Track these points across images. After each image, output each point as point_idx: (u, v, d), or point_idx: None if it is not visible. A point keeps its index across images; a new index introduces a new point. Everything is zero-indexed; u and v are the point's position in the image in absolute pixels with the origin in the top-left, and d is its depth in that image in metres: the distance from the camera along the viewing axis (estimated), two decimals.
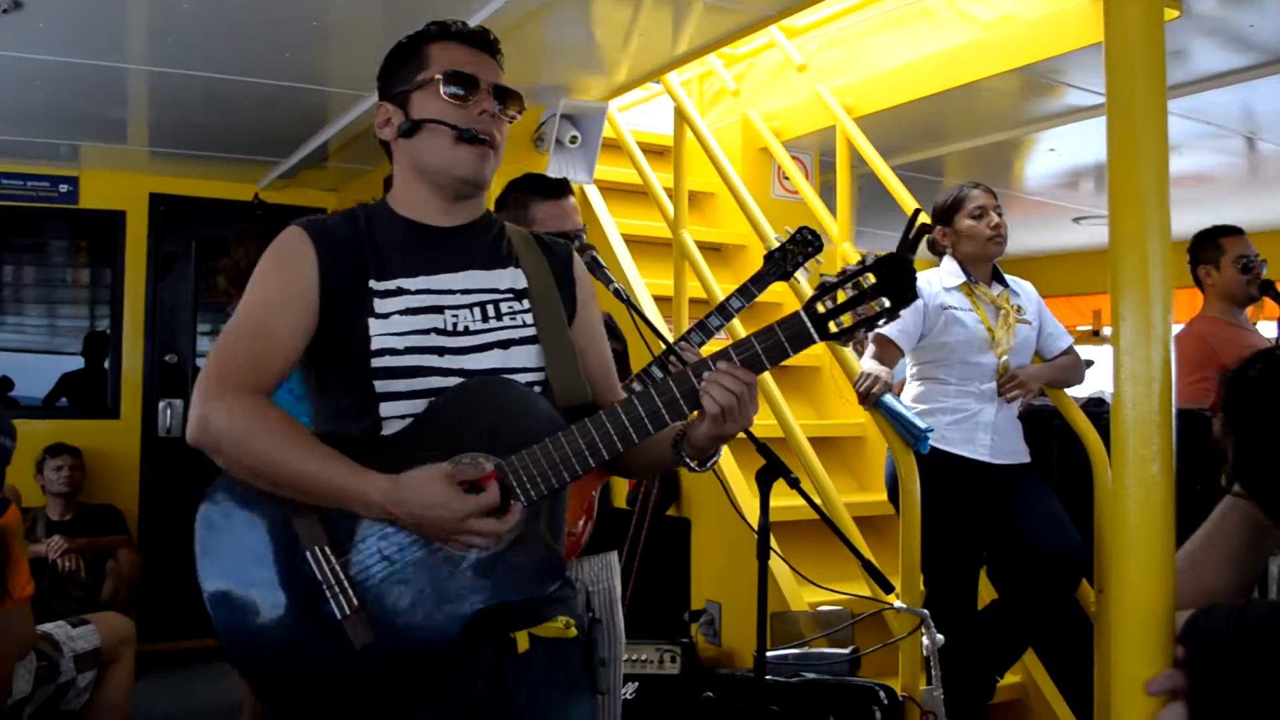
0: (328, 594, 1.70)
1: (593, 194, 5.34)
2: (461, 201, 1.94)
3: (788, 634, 3.64)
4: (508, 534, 1.71)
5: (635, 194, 5.56)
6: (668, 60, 4.63)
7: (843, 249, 5.09)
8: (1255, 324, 4.81)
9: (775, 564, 3.71)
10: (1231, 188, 6.64)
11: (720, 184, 5.20)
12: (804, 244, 3.25)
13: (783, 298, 5.33)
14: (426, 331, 1.83)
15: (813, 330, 1.75)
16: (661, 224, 5.13)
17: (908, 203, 4.74)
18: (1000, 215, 3.85)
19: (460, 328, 1.85)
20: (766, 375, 4.20)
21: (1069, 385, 4.04)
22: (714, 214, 6.00)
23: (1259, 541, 1.65)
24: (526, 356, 1.89)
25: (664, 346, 2.89)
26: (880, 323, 1.75)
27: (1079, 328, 9.00)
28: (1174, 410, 1.54)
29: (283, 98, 4.92)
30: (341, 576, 1.71)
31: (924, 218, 3.67)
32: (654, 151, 5.75)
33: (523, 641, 1.82)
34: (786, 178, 5.64)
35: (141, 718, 4.67)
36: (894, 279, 1.72)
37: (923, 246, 4.32)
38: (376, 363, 1.79)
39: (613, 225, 5.23)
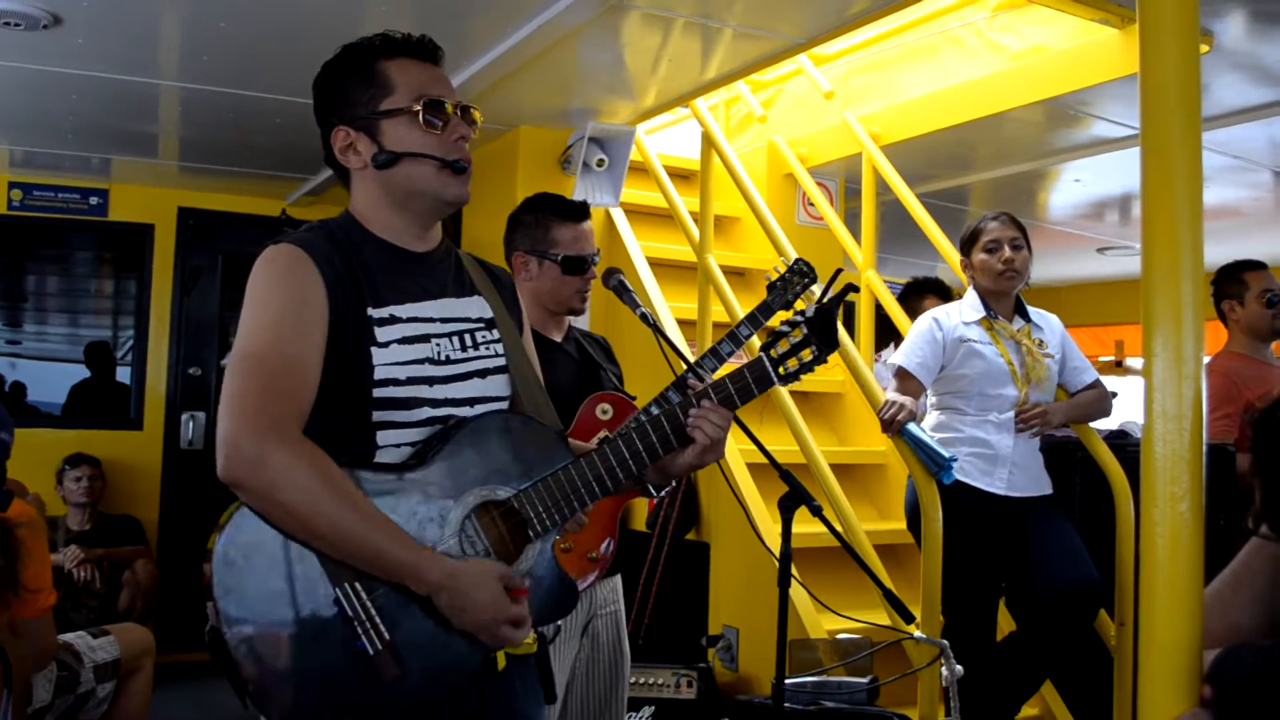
0: (359, 630, 1.69)
1: (618, 217, 5.35)
2: (434, 223, 1.96)
3: (806, 662, 3.63)
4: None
5: (661, 217, 5.58)
6: (696, 86, 4.65)
7: (867, 276, 5.10)
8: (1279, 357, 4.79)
9: (795, 591, 3.68)
10: (1259, 221, 6.62)
11: (745, 209, 5.21)
12: (800, 275, 3.35)
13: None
14: (421, 361, 1.85)
15: (772, 373, 1.98)
16: (686, 248, 5.15)
17: (932, 231, 4.74)
18: (1016, 249, 3.80)
19: (443, 356, 1.88)
20: (788, 400, 4.24)
21: (1094, 419, 4.02)
22: (738, 239, 6.01)
23: None
24: (500, 385, 1.95)
25: (686, 368, 2.91)
26: (814, 368, 2.01)
27: (1101, 358, 8.97)
28: (1205, 448, 1.54)
29: (312, 116, 4.95)
30: (373, 612, 1.70)
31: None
32: (680, 175, 5.76)
33: (501, 660, 1.86)
34: (811, 204, 5.66)
35: None
36: (819, 329, 1.99)
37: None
38: (379, 392, 1.79)
39: (638, 248, 5.24)
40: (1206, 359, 4.39)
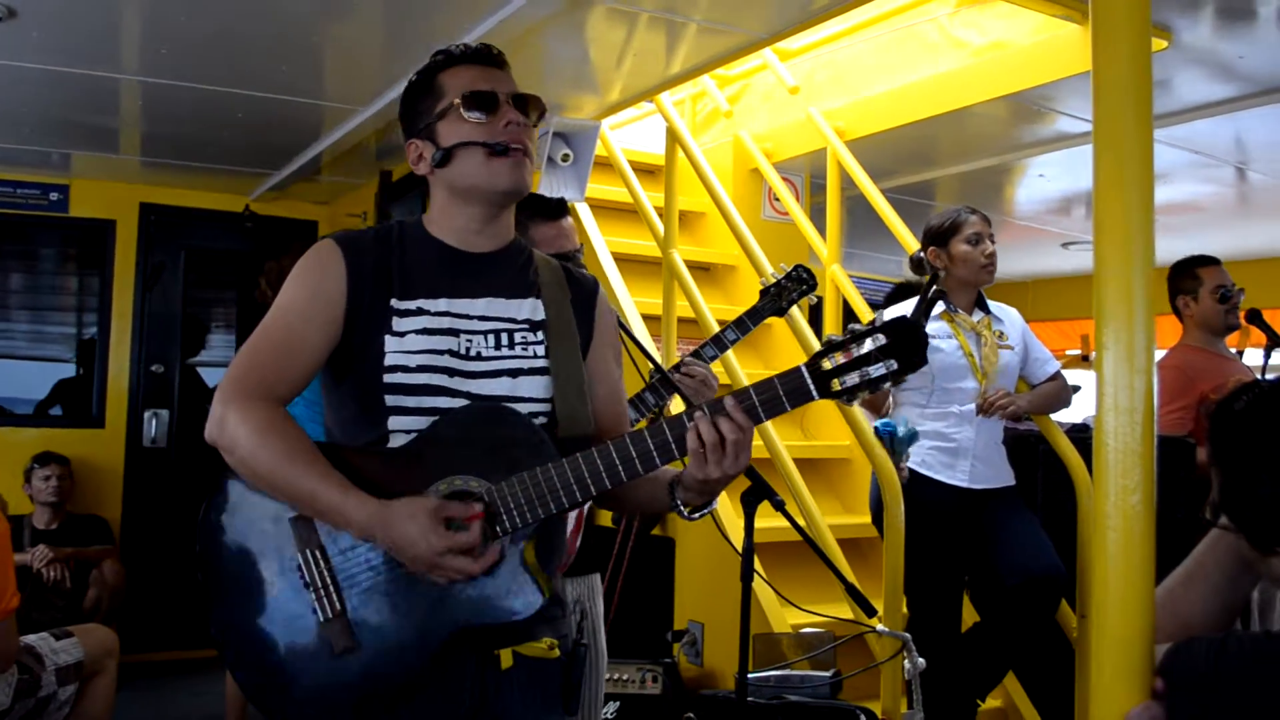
0: (313, 596, 1.78)
1: (583, 212, 5.34)
2: (501, 218, 1.99)
3: (770, 656, 3.64)
4: (482, 573, 1.75)
5: (626, 213, 5.57)
6: (661, 80, 4.65)
7: (831, 271, 5.11)
8: (1241, 351, 4.84)
9: (758, 585, 3.70)
10: (1221, 216, 6.68)
11: (711, 204, 5.20)
12: (799, 282, 3.31)
13: (773, 319, 5.33)
14: (441, 352, 1.87)
15: (812, 387, 1.73)
16: (652, 243, 5.15)
17: (897, 226, 4.75)
18: (994, 243, 3.86)
19: (474, 353, 1.89)
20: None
21: (1055, 411, 4.05)
22: (704, 234, 6.01)
23: (1242, 575, 1.66)
24: (534, 387, 1.92)
25: (651, 367, 2.90)
26: (885, 386, 1.72)
27: (1068, 352, 9.02)
28: (1156, 441, 1.54)
29: (276, 110, 4.93)
30: (329, 580, 1.78)
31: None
32: (645, 170, 5.76)
33: (506, 659, 1.85)
34: (777, 199, 5.66)
35: None
36: (905, 343, 1.71)
37: (905, 264, 4.35)
38: (388, 378, 1.84)
39: (603, 244, 5.24)
40: (1162, 353, 4.44)
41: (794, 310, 4.03)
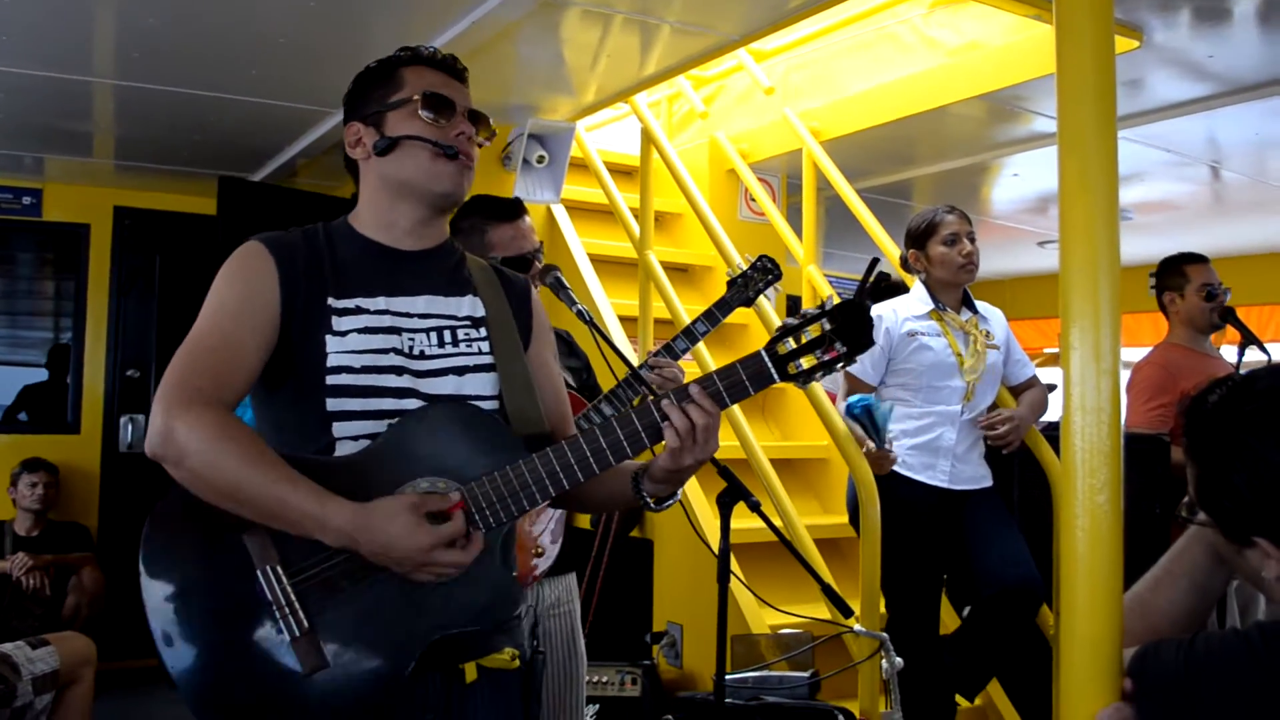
0: (278, 615, 1.66)
1: (559, 213, 5.34)
2: (433, 220, 1.95)
3: (748, 657, 3.64)
4: (470, 564, 1.68)
5: (602, 214, 5.57)
6: (635, 81, 4.65)
7: (808, 272, 5.11)
8: (1217, 349, 4.86)
9: (736, 587, 3.70)
10: (1196, 215, 6.73)
11: (687, 205, 5.21)
12: (765, 271, 3.30)
13: (749, 318, 5.35)
14: (385, 351, 1.81)
15: (773, 370, 1.75)
16: (628, 244, 5.15)
17: (873, 226, 4.76)
18: (973, 242, 3.85)
19: (418, 351, 1.84)
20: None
21: (1038, 418, 4.06)
22: (680, 235, 6.01)
23: (1211, 579, 1.66)
24: (481, 384, 1.88)
25: (625, 368, 2.89)
26: (838, 367, 1.76)
27: (1045, 350, 9.07)
28: (1123, 440, 1.55)
29: (248, 113, 4.91)
30: (293, 597, 1.66)
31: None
32: (621, 172, 5.76)
33: (471, 672, 1.80)
34: (753, 200, 5.67)
35: None
36: (851, 325, 1.74)
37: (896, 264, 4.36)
38: (332, 380, 1.77)
39: (579, 245, 5.24)
40: (1142, 352, 4.46)
41: (765, 305, 4.04)
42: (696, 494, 4.23)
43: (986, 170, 5.95)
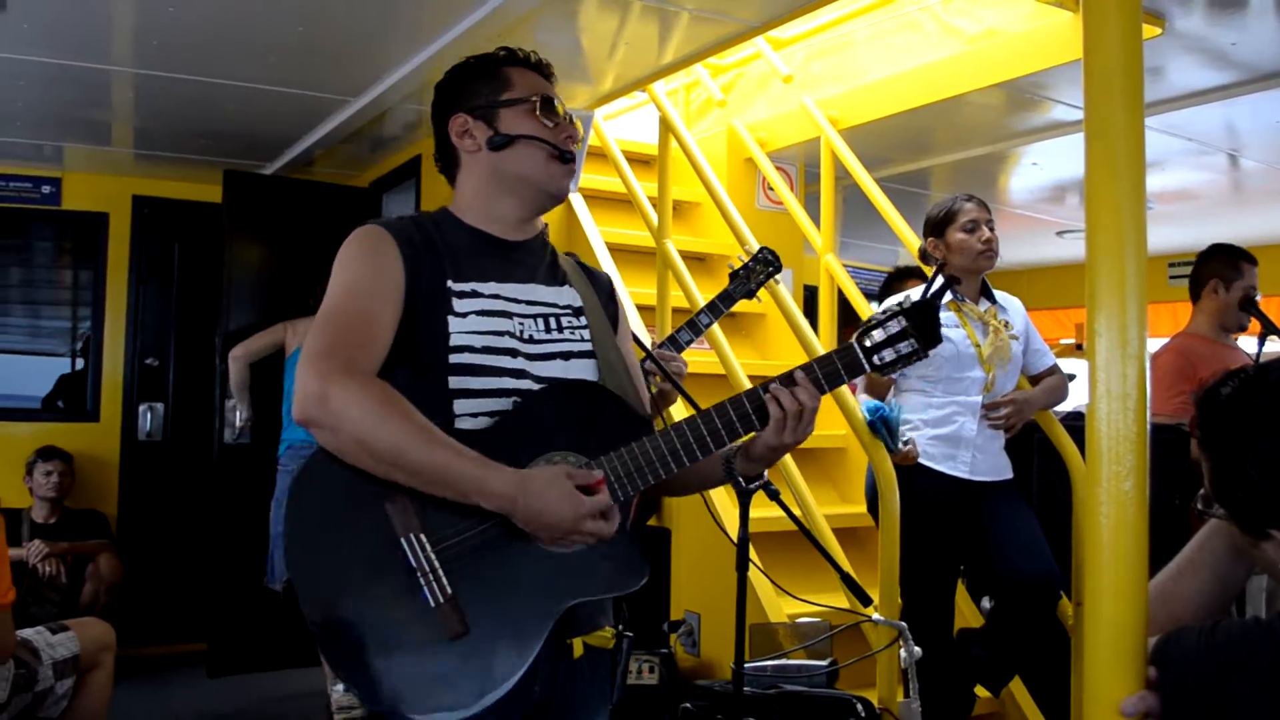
0: (421, 581, 1.72)
1: (577, 202, 5.34)
2: (537, 216, 2.05)
3: (766, 645, 3.64)
4: (611, 535, 1.76)
5: (620, 203, 5.57)
6: (654, 70, 4.63)
7: (826, 261, 5.10)
8: (1237, 339, 4.83)
9: (754, 575, 3.71)
10: (1215, 204, 6.68)
11: (705, 194, 5.20)
12: (765, 264, 3.34)
13: (766, 308, 5.34)
14: (501, 334, 1.89)
15: (864, 360, 1.88)
16: (646, 233, 5.13)
17: (891, 215, 4.75)
18: (992, 229, 3.84)
19: (527, 335, 1.93)
20: (747, 385, 4.23)
21: (1055, 405, 4.04)
22: (698, 224, 6.00)
23: (1233, 569, 1.66)
24: (584, 369, 1.97)
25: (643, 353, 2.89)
26: (914, 360, 1.90)
27: (1062, 340, 9.02)
28: (1149, 427, 1.54)
29: (267, 102, 4.92)
30: (436, 564, 1.73)
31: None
32: (639, 161, 5.75)
33: (578, 648, 1.88)
34: (771, 188, 5.65)
35: None
36: (922, 323, 1.88)
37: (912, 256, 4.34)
38: (454, 359, 1.84)
39: (597, 234, 5.23)
40: (1159, 341, 4.43)
41: (784, 294, 4.04)
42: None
43: (1005, 159, 5.92)
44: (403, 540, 1.73)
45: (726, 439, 1.86)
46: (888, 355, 1.88)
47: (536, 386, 1.89)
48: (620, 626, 1.99)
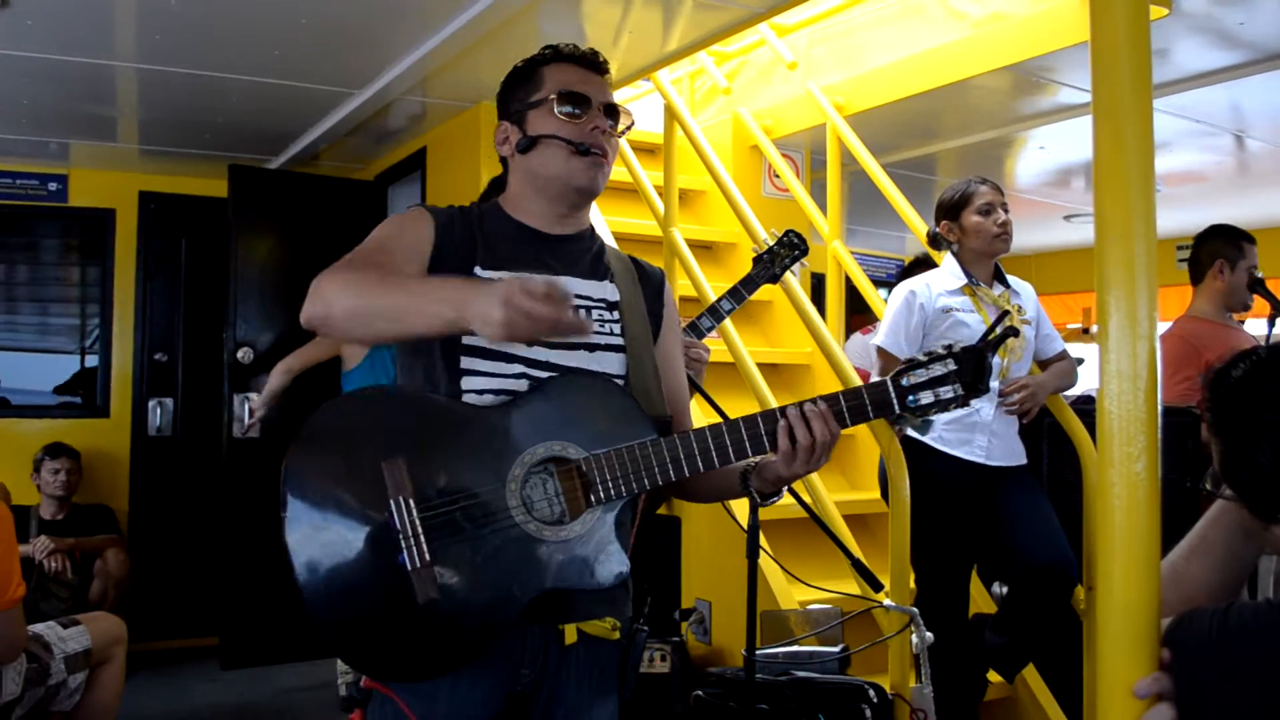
0: (402, 544, 1.76)
1: None
2: (574, 212, 2.06)
3: (778, 632, 3.64)
4: (561, 323, 1.67)
5: (626, 192, 5.55)
6: (658, 58, 4.62)
7: (833, 248, 5.09)
8: (1243, 321, 4.81)
9: (765, 562, 3.71)
10: (1222, 185, 6.66)
11: (711, 182, 5.19)
12: (791, 247, 3.31)
13: (775, 294, 5.34)
14: None
15: (895, 401, 1.86)
16: (652, 222, 5.13)
17: (898, 201, 4.74)
18: (1007, 212, 3.83)
19: None
20: (755, 372, 4.24)
21: (1065, 390, 4.03)
22: (705, 212, 5.99)
23: (1245, 547, 1.65)
24: (611, 363, 1.99)
25: None
26: (951, 407, 1.86)
27: (1069, 325, 9.01)
28: (1160, 409, 1.53)
29: (272, 96, 4.92)
30: (420, 529, 1.76)
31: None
32: (645, 149, 5.74)
33: (570, 634, 1.89)
34: (777, 176, 5.64)
35: (131, 718, 4.67)
36: (971, 369, 1.85)
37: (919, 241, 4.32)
38: (467, 340, 1.88)
39: (603, 223, 5.22)
40: (1163, 325, 4.41)
41: (792, 282, 4.03)
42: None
43: (1012, 143, 5.90)
44: (391, 501, 1.76)
45: (732, 457, 1.86)
46: (925, 398, 1.85)
47: (548, 375, 1.91)
48: (640, 621, 1.99)
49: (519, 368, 1.89)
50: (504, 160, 2.11)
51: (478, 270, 1.93)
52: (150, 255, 6.66)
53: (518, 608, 1.78)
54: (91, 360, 6.75)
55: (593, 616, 1.91)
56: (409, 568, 1.75)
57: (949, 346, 1.86)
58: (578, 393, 1.89)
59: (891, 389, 1.85)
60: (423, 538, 1.76)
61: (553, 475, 1.84)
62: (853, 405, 1.85)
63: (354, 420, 1.85)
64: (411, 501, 1.76)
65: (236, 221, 6.01)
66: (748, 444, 1.85)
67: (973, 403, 3.65)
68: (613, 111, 2.04)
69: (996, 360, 3.74)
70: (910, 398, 1.85)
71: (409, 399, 1.90)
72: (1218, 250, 4.38)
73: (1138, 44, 1.58)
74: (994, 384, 3.75)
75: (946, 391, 1.84)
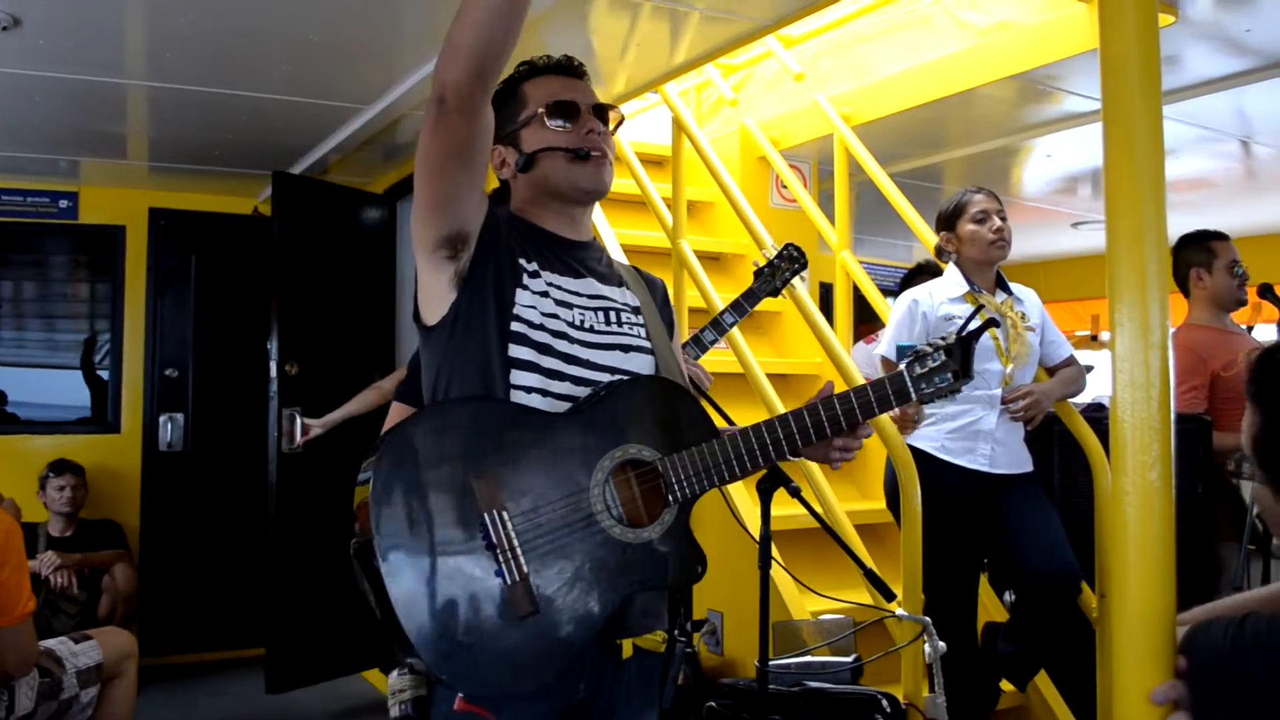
0: (499, 558, 1.75)
1: None
2: (584, 213, 2.09)
3: (790, 643, 3.64)
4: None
5: (634, 204, 5.57)
6: (665, 71, 4.63)
7: (841, 258, 5.10)
8: (1253, 327, 4.81)
9: (777, 573, 3.69)
10: (1228, 191, 6.66)
11: (719, 193, 5.20)
12: (791, 260, 3.32)
13: (784, 306, 5.34)
14: (558, 317, 1.94)
15: (911, 389, 1.96)
16: (660, 234, 5.14)
17: (906, 210, 4.74)
18: (1004, 220, 3.84)
19: (587, 325, 1.97)
20: (764, 382, 4.25)
21: (1073, 396, 4.03)
22: (712, 223, 6.00)
23: None
24: (641, 364, 2.02)
25: None
26: (947, 393, 1.98)
27: (1078, 333, 9.01)
28: (1173, 416, 1.54)
29: (281, 111, 4.94)
30: (515, 542, 1.76)
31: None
32: (652, 162, 5.75)
33: (627, 649, 1.91)
34: (785, 186, 5.65)
35: None
36: (959, 357, 1.96)
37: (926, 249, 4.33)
38: (514, 327, 1.88)
39: (612, 236, 5.23)
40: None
41: (801, 292, 4.03)
42: (737, 480, 4.23)
43: (1018, 152, 5.91)
44: (485, 516, 1.75)
45: (788, 450, 1.95)
46: (927, 388, 1.96)
47: (590, 375, 1.93)
48: (676, 631, 2.00)
49: (557, 363, 1.90)
50: (504, 184, 2.11)
51: (521, 261, 1.94)
52: (160, 271, 6.68)
53: (610, 612, 1.80)
54: (102, 375, 6.77)
55: (647, 630, 1.94)
56: (507, 582, 1.74)
57: (944, 338, 1.98)
58: (645, 396, 1.94)
59: (908, 379, 1.95)
60: (519, 550, 1.75)
61: (631, 478, 1.87)
62: (878, 396, 1.94)
63: (433, 438, 1.82)
64: (505, 514, 1.76)
65: (281, 230, 5.69)
66: (799, 436, 1.93)
67: (975, 412, 3.69)
68: (602, 111, 2.06)
69: (999, 366, 3.74)
70: (923, 384, 1.96)
71: (482, 409, 1.87)
72: (1189, 259, 4.41)
73: (1147, 52, 1.59)
74: (996, 391, 3.75)
75: (944, 379, 1.95)
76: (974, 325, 2.00)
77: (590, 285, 2.02)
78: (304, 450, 5.38)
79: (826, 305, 5.40)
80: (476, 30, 1.71)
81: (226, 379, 6.75)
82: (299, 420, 5.38)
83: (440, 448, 1.81)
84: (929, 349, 1.98)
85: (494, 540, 1.75)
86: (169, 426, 6.62)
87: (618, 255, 5.07)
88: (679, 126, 5.05)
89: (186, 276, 6.74)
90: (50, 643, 3.74)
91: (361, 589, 1.81)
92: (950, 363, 1.95)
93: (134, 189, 6.57)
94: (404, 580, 1.73)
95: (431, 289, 1.93)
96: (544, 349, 1.89)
